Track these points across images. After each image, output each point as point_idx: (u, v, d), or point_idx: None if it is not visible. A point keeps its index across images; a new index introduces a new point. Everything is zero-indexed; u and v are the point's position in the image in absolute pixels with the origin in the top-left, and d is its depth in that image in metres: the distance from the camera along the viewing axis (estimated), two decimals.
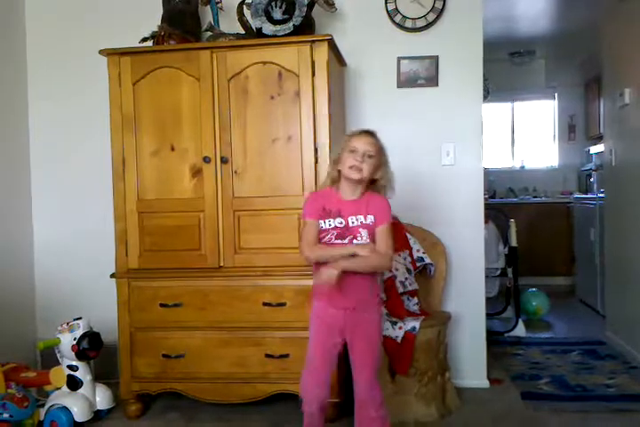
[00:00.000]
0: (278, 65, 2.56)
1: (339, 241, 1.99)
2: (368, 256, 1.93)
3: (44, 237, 3.32)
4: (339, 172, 2.03)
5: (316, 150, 2.54)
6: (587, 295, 4.97)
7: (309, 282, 2.17)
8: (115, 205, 2.70)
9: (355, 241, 1.99)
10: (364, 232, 2.00)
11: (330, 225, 2.00)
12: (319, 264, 2.00)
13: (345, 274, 1.92)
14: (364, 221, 2.01)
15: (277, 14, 2.61)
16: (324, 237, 2.01)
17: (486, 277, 3.12)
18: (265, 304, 2.56)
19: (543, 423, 2.58)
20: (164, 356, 2.65)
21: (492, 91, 5.35)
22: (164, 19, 2.83)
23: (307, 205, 2.08)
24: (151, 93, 2.66)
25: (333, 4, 2.76)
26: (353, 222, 2.00)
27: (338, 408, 2.54)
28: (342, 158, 2.01)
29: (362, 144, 2.00)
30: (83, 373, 2.62)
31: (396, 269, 2.74)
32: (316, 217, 2.02)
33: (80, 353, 2.58)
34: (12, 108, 3.24)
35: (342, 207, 2.02)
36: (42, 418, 2.58)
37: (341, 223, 2.00)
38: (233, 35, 2.79)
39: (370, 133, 2.06)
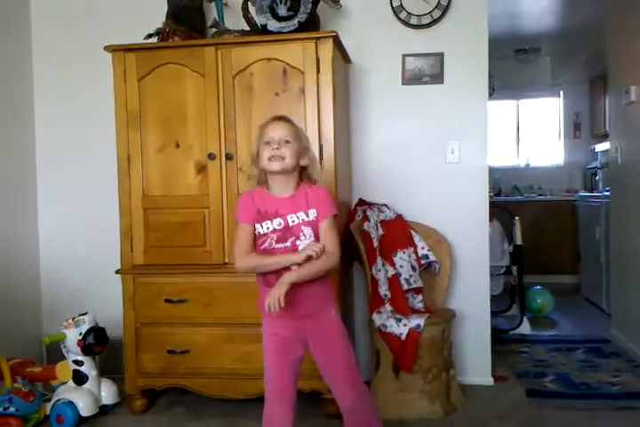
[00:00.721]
0: (283, 62, 2.56)
1: (280, 245, 1.82)
2: (313, 263, 1.76)
3: (50, 232, 3.33)
4: (262, 171, 1.85)
5: (320, 147, 2.54)
6: (592, 293, 4.96)
7: None
8: (120, 201, 2.71)
9: (298, 242, 1.82)
10: (307, 230, 1.82)
11: (268, 229, 1.82)
12: (263, 273, 1.85)
13: (294, 285, 1.75)
14: (305, 218, 1.83)
15: (282, 11, 2.62)
16: (263, 242, 1.83)
17: (491, 274, 3.12)
18: None
19: (548, 421, 2.58)
20: (169, 351, 2.66)
21: (497, 88, 5.34)
22: (168, 15, 2.83)
23: (240, 207, 1.88)
24: (156, 90, 2.67)
25: (338, 1, 2.77)
26: (294, 221, 1.82)
27: None
28: (260, 153, 1.83)
29: (275, 132, 1.82)
30: (88, 368, 2.64)
31: (401, 267, 2.74)
32: (249, 221, 1.84)
33: (86, 348, 2.60)
34: (19, 104, 3.25)
35: (279, 206, 1.83)
36: (48, 413, 2.60)
37: (280, 224, 1.82)
38: (238, 31, 2.79)
39: (281, 119, 1.88)
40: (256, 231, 1.84)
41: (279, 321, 1.85)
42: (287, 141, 1.81)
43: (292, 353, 1.88)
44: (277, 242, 1.82)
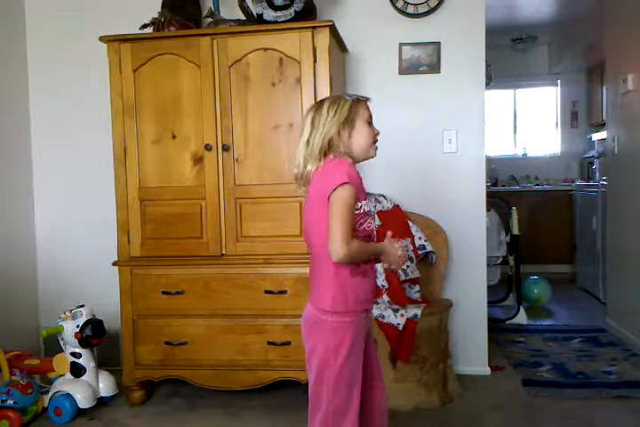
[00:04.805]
0: (279, 51, 2.54)
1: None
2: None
3: (47, 224, 3.32)
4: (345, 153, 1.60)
5: None
6: (588, 283, 4.98)
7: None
8: (116, 193, 2.70)
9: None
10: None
11: (371, 209, 1.61)
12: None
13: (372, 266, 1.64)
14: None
15: (278, 0, 2.59)
16: (363, 222, 1.57)
17: (488, 265, 3.12)
18: (267, 292, 2.57)
19: (544, 410, 2.60)
20: (166, 343, 2.66)
21: (494, 77, 5.32)
22: (164, 5, 2.81)
23: (348, 171, 1.53)
24: (152, 80, 2.65)
25: None
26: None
27: None
28: (354, 128, 1.60)
29: (370, 115, 1.65)
30: (86, 360, 2.64)
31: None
32: (361, 196, 1.57)
33: (83, 340, 2.59)
34: (13, 96, 3.22)
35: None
36: (46, 405, 2.60)
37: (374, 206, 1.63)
38: (234, 21, 2.76)
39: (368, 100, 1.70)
40: (361, 209, 1.57)
41: (364, 319, 1.62)
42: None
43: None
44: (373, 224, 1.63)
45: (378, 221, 2.77)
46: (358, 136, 1.60)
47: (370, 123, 1.64)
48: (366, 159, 1.67)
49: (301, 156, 1.60)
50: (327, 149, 1.57)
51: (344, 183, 1.49)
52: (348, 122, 1.58)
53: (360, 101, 1.64)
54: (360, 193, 1.57)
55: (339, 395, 1.55)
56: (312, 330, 1.61)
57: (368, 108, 1.66)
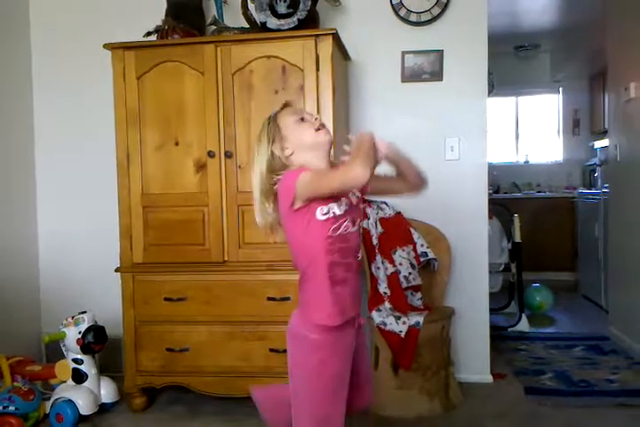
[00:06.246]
0: (282, 59, 2.55)
1: (354, 229, 1.60)
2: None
3: (49, 231, 3.33)
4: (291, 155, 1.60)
5: None
6: (590, 291, 4.96)
7: None
8: (119, 199, 2.71)
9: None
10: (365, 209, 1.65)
11: (342, 210, 1.55)
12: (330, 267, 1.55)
13: (356, 277, 1.60)
14: (357, 194, 1.65)
15: (282, 8, 2.60)
16: (338, 227, 1.54)
17: (490, 272, 3.12)
18: (269, 299, 2.57)
19: (546, 418, 2.59)
20: (168, 350, 2.66)
21: (496, 85, 5.33)
22: (168, 13, 2.82)
23: (296, 173, 1.52)
24: (155, 88, 2.66)
25: None
26: (356, 198, 1.64)
27: None
28: (293, 133, 1.59)
29: (299, 112, 1.67)
30: (88, 366, 2.64)
31: (400, 264, 2.74)
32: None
33: (85, 347, 2.59)
34: (17, 101, 3.24)
35: None
36: (47, 411, 2.60)
37: (347, 204, 1.58)
38: (237, 29, 2.78)
39: (288, 104, 1.70)
40: (326, 216, 1.52)
41: (340, 331, 1.57)
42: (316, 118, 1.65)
43: (347, 377, 1.60)
44: (352, 226, 1.58)
45: (380, 229, 2.78)
46: (297, 137, 1.59)
47: (302, 119, 1.61)
48: (324, 146, 1.62)
49: (258, 199, 1.61)
50: (274, 173, 1.57)
51: (294, 186, 1.48)
52: (273, 140, 1.59)
53: (276, 114, 1.64)
54: None
55: (318, 404, 1.56)
56: (292, 339, 1.65)
57: (291, 111, 1.65)
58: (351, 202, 1.60)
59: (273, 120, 1.62)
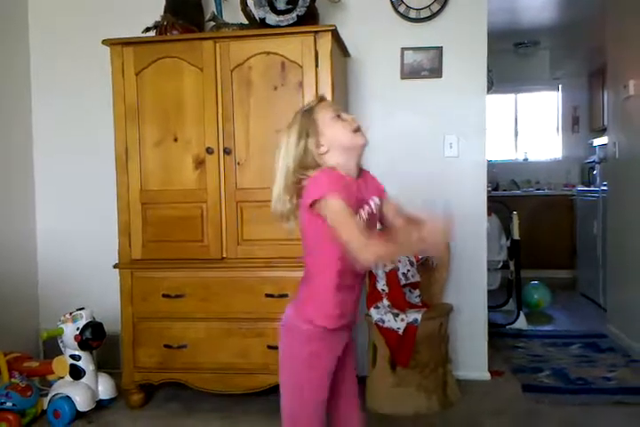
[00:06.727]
0: (282, 55, 2.54)
1: None
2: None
3: (47, 227, 3.32)
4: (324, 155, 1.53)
5: None
6: (588, 288, 4.97)
7: None
8: (118, 195, 2.70)
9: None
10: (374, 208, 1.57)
11: (362, 218, 1.51)
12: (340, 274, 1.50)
13: (358, 281, 1.57)
14: (378, 203, 1.60)
15: (281, 4, 2.60)
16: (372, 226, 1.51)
17: (488, 269, 3.12)
18: (267, 295, 2.56)
19: (544, 416, 2.59)
20: (166, 346, 2.66)
21: (495, 82, 5.33)
22: (167, 9, 2.81)
23: (332, 181, 1.45)
24: (154, 84, 2.65)
25: None
26: (376, 206, 1.58)
27: None
28: (330, 129, 1.52)
29: (337, 109, 1.59)
30: (85, 362, 2.64)
31: (399, 261, 2.74)
32: (351, 197, 1.47)
33: (83, 343, 2.59)
34: (16, 102, 3.24)
35: (361, 190, 1.54)
36: (45, 407, 2.60)
37: (369, 212, 1.54)
38: (236, 25, 2.77)
39: (324, 98, 1.65)
40: (361, 220, 1.49)
41: (335, 336, 1.54)
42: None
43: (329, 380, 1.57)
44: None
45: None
46: (333, 135, 1.51)
47: (339, 116, 1.54)
48: (359, 149, 1.55)
49: (278, 190, 1.53)
50: (304, 169, 1.49)
51: (323, 195, 1.41)
52: (307, 134, 1.50)
53: (313, 107, 1.55)
54: (347, 193, 1.45)
55: (293, 401, 1.57)
56: (286, 331, 1.59)
57: (329, 106, 1.58)
58: (372, 211, 1.55)
59: (309, 113, 1.53)
